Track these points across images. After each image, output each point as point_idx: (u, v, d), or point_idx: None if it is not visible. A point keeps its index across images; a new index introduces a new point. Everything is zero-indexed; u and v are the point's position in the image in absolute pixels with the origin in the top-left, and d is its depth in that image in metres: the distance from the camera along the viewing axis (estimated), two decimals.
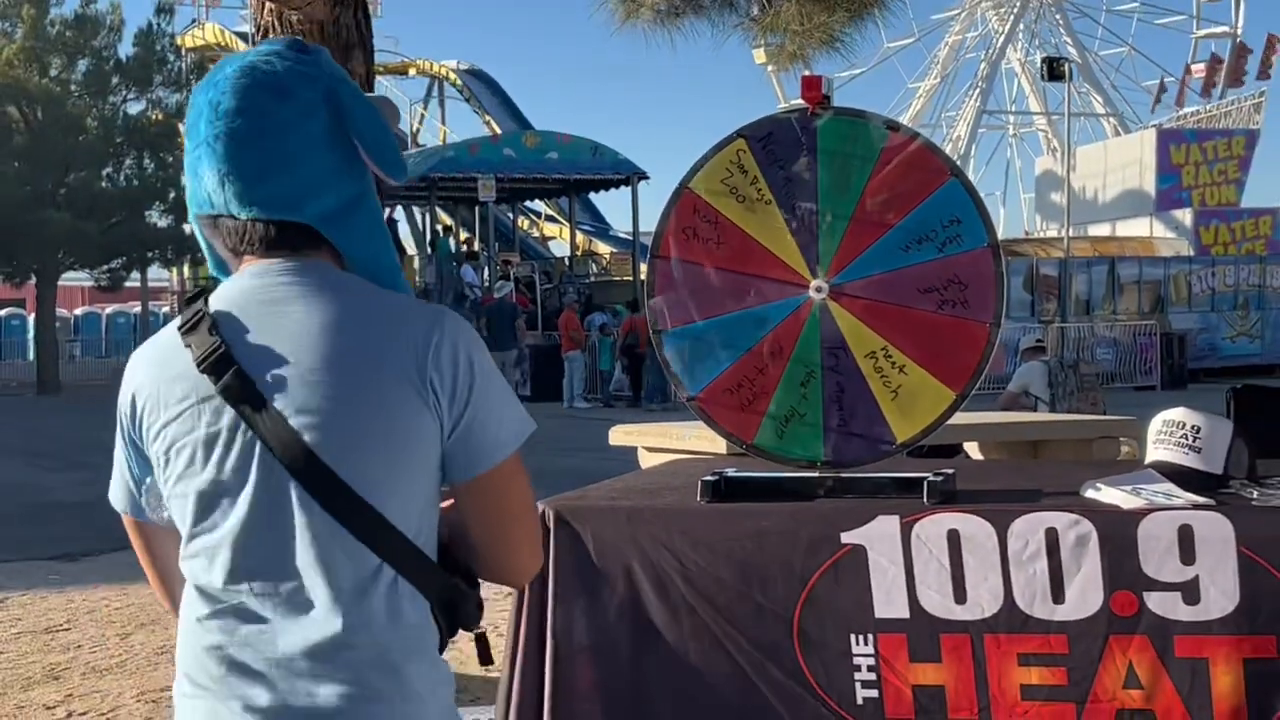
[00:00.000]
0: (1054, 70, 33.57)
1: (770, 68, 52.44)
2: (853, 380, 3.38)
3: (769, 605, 3.23)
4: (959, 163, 3.36)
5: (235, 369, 1.96)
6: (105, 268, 38.24)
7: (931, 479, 3.23)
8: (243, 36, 46.24)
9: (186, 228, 41.50)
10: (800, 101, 3.36)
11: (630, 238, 36.45)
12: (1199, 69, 53.25)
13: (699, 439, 5.57)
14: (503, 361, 24.48)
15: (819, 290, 3.36)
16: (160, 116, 37.78)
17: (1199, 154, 40.73)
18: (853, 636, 3.19)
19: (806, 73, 3.39)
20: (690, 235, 3.46)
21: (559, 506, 3.38)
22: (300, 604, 1.95)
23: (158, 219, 38.71)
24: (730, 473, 3.48)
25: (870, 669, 3.18)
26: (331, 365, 1.95)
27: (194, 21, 48.30)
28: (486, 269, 33.45)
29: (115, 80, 37.21)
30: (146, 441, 2.06)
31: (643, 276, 30.15)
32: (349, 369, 1.94)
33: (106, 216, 35.94)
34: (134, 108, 37.98)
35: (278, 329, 1.97)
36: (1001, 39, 57.98)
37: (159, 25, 37.71)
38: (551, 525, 3.35)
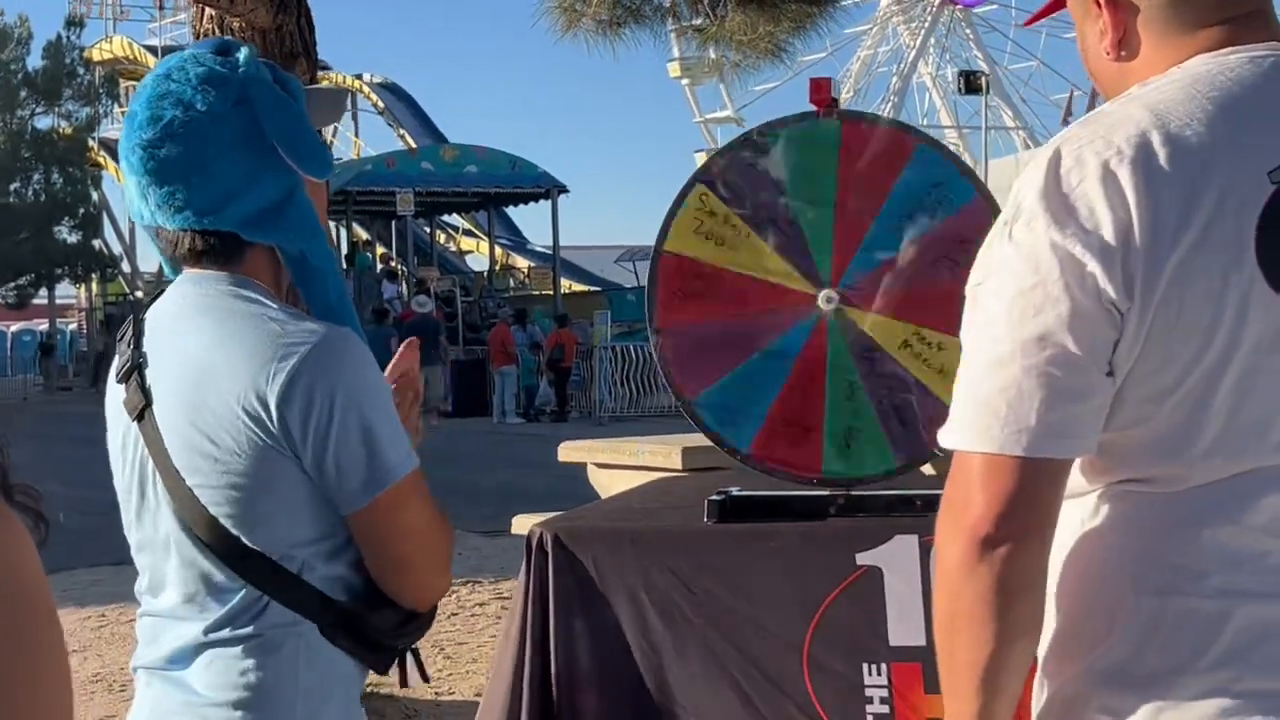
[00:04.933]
0: (971, 84, 33.86)
1: (685, 81, 52.47)
2: (895, 377, 3.26)
3: (779, 633, 3.10)
4: None
5: (137, 382, 2.02)
6: (12, 285, 37.62)
7: None
8: (152, 50, 45.59)
9: (96, 244, 40.91)
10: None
11: (549, 251, 36.29)
12: None
13: (653, 454, 5.45)
14: (427, 378, 24.17)
15: (829, 300, 3.24)
16: (70, 130, 37.22)
17: None
18: (865, 666, 3.07)
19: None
20: (682, 297, 3.34)
21: (558, 529, 3.24)
22: (176, 613, 2.02)
23: (67, 235, 38.14)
24: (735, 492, 3.34)
25: (883, 701, 3.06)
26: (196, 388, 1.96)
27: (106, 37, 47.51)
28: (404, 284, 33.17)
29: (23, 94, 36.58)
30: None
31: (564, 291, 29.75)
32: (203, 395, 1.96)
33: (13, 232, 35.33)
34: (43, 122, 37.40)
35: (174, 346, 2.01)
36: (913, 53, 58.41)
37: (68, 38, 37.22)
38: (550, 549, 3.21)
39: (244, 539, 1.96)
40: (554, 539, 3.22)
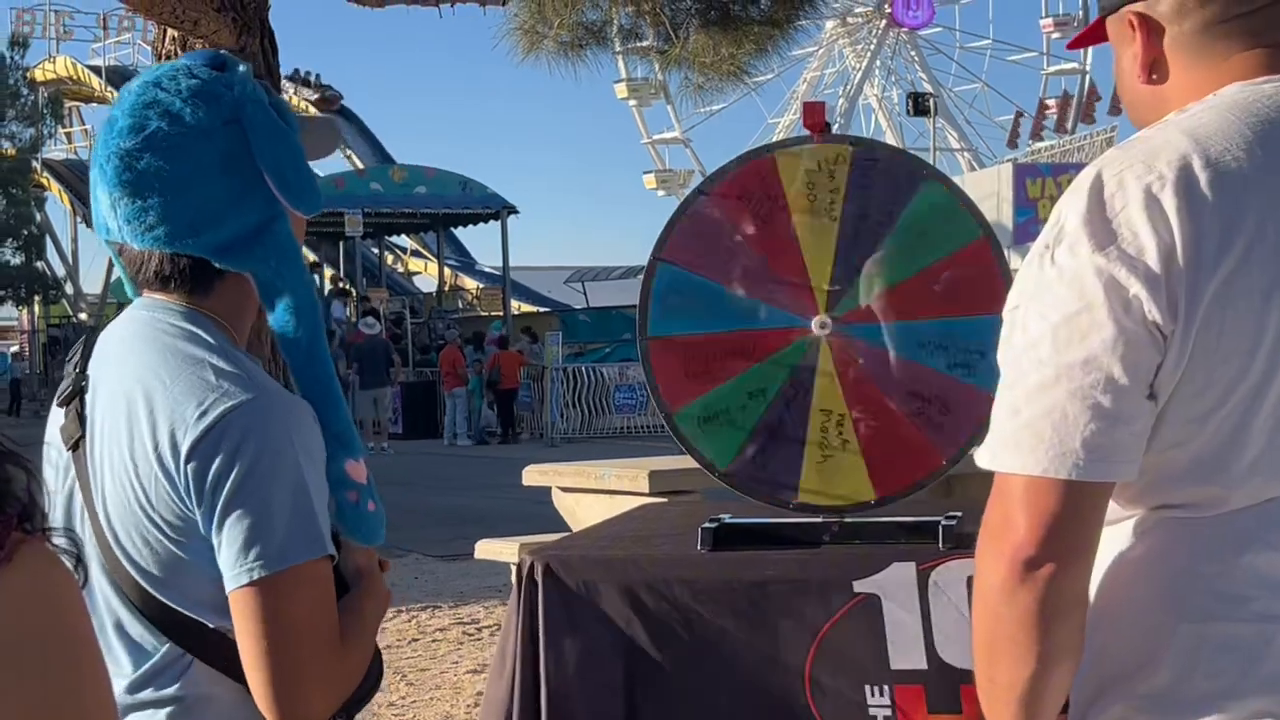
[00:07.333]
0: (920, 105, 34.07)
1: (632, 103, 52.36)
2: (796, 418, 3.24)
3: (779, 656, 3.07)
4: None
5: (76, 409, 1.90)
6: None
7: (945, 523, 3.09)
8: (96, 70, 45.32)
9: (40, 265, 40.51)
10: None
11: (497, 272, 36.22)
12: (1052, 105, 54.41)
13: (619, 478, 5.40)
14: (375, 398, 24.12)
15: (822, 326, 3.21)
16: (13, 152, 36.87)
17: (1054, 188, 41.15)
18: (867, 688, 3.05)
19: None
20: (746, 212, 3.25)
21: (549, 559, 3.19)
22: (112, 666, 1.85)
23: (10, 256, 37.72)
24: (728, 519, 3.31)
25: (887, 718, 3.04)
26: (125, 428, 1.83)
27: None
28: (348, 306, 33.02)
29: None
30: None
31: (514, 312, 29.53)
32: (130, 437, 1.83)
33: None
34: None
35: (112, 376, 1.88)
36: (859, 75, 58.80)
37: (12, 58, 36.87)
38: (540, 578, 3.16)
39: (159, 595, 1.82)
40: (545, 568, 3.17)
